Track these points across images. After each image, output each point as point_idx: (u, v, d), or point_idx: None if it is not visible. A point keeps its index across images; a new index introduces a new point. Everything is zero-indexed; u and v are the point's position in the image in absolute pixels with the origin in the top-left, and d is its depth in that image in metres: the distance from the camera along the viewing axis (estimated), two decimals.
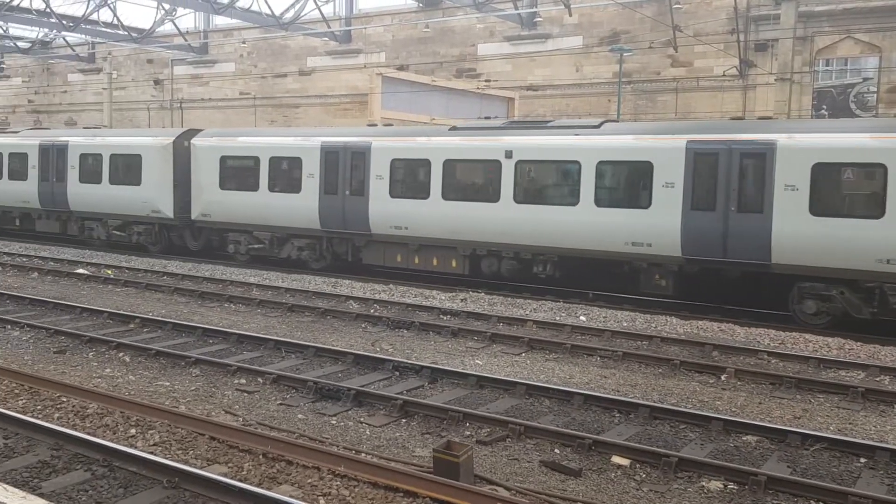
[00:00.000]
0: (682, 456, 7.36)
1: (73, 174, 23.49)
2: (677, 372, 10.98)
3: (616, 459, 7.44)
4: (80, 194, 23.42)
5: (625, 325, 13.93)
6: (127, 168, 22.42)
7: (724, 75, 29.43)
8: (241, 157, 20.48)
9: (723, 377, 10.69)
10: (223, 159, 20.68)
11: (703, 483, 7.00)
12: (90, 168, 23.11)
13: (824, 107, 28.43)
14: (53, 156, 24.02)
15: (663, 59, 31.03)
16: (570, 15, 30.80)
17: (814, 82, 28.72)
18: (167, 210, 21.75)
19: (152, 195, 21.84)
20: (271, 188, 19.79)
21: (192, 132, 22.16)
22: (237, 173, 20.55)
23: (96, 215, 23.40)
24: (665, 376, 10.80)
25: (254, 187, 20.06)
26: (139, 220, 22.47)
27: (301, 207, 19.26)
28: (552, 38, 33.64)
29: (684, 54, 30.30)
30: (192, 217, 21.38)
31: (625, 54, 28.08)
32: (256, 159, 20.06)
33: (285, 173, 19.67)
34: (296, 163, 19.43)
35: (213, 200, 20.83)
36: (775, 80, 26.47)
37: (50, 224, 24.83)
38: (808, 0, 27.70)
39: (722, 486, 6.94)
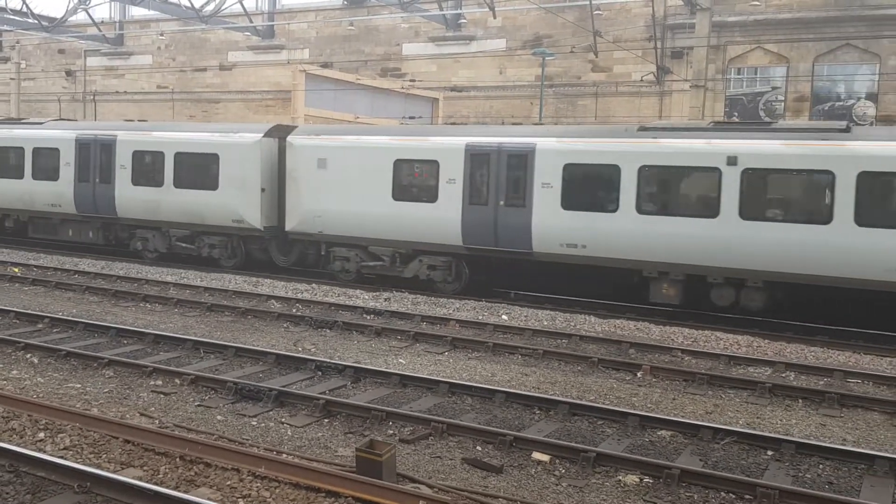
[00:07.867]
0: (600, 451, 7.53)
1: None
2: (595, 369, 11.23)
3: (536, 455, 7.57)
4: None
5: (545, 323, 14.16)
6: None
7: (641, 81, 30.26)
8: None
9: (639, 374, 10.99)
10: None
11: (620, 477, 7.18)
12: None
13: (735, 113, 29.57)
14: None
15: (584, 64, 31.68)
16: (495, 17, 31.10)
17: (726, 90, 29.84)
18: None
19: None
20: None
21: None
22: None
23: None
24: (584, 374, 11.03)
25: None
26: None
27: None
28: (476, 40, 33.92)
29: (604, 60, 31.01)
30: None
31: (547, 58, 28.53)
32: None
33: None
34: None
35: None
36: (690, 86, 27.38)
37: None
38: (721, 10, 28.75)
39: (638, 479, 7.14)
